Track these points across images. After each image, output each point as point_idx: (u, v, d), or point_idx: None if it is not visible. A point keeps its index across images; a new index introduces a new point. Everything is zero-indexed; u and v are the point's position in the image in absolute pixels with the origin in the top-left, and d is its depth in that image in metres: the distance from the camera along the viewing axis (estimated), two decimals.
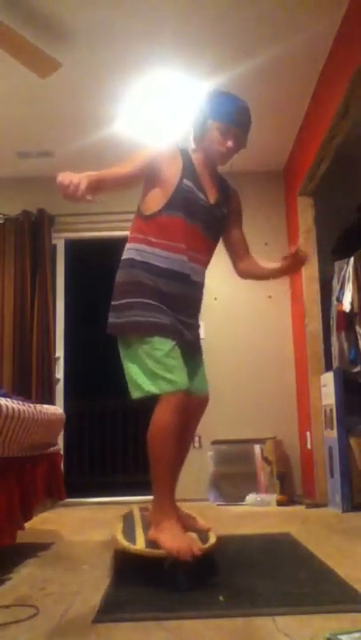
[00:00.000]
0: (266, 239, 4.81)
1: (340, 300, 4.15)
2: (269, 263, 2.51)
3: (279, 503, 4.11)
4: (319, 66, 3.57)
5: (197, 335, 2.37)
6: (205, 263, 2.31)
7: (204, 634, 1.49)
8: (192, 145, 2.30)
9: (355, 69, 2.95)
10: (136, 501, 4.19)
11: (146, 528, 2.14)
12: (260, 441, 4.48)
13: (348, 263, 4.11)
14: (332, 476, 3.85)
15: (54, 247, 4.96)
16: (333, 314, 4.27)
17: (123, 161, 2.14)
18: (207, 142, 2.23)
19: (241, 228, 2.50)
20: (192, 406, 2.19)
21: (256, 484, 4.36)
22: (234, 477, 4.37)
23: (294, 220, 4.55)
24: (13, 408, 2.21)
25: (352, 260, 4.06)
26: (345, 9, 3.08)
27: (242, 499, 4.21)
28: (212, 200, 2.28)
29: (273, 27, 3.23)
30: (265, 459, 4.41)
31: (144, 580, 1.93)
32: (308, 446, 4.30)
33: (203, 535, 2.16)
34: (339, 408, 3.79)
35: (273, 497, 4.17)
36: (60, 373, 4.81)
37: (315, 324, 4.30)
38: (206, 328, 4.39)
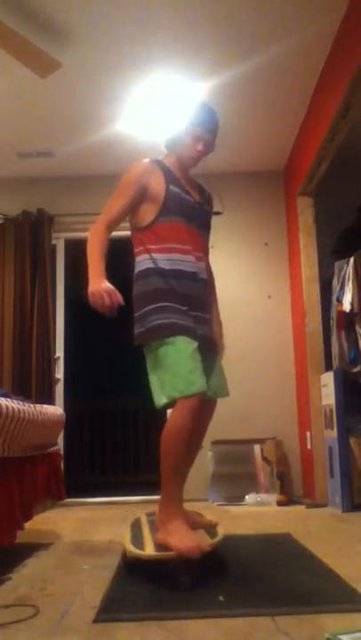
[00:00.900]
0: (266, 239, 4.82)
1: (340, 300, 4.15)
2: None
3: (279, 503, 4.11)
4: (319, 66, 3.57)
5: (212, 330, 2.40)
6: (206, 260, 2.39)
7: (204, 634, 1.49)
8: (163, 151, 2.42)
9: (355, 69, 2.95)
10: (136, 501, 4.20)
11: (154, 532, 2.13)
12: (260, 441, 4.47)
13: (348, 263, 4.11)
14: (332, 475, 3.85)
15: (54, 247, 4.97)
16: (333, 314, 4.27)
17: (112, 196, 2.27)
18: (179, 147, 2.36)
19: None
20: (206, 408, 2.22)
21: (256, 484, 4.36)
22: (234, 477, 4.37)
23: (294, 221, 4.55)
24: (13, 408, 2.21)
25: (352, 260, 4.05)
26: (345, 9, 3.08)
27: (242, 499, 4.20)
28: (197, 198, 2.39)
29: (273, 27, 3.23)
30: (265, 459, 4.41)
31: (145, 580, 1.93)
32: (308, 446, 4.29)
33: (211, 530, 2.16)
34: (339, 408, 3.79)
35: (273, 497, 4.17)
36: (60, 373, 4.81)
37: (315, 324, 4.30)
38: None
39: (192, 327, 2.17)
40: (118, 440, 6.95)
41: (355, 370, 4.01)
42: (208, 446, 4.46)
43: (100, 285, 2.09)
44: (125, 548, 2.09)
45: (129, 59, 3.45)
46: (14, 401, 2.31)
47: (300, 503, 4.16)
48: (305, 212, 4.41)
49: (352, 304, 3.95)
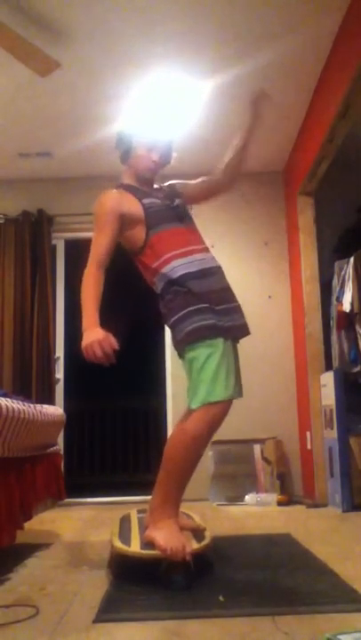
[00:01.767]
0: (266, 239, 4.81)
1: (340, 300, 4.15)
2: (233, 142, 2.54)
3: (279, 503, 4.11)
4: (320, 66, 3.56)
5: (242, 316, 2.39)
6: (207, 249, 2.37)
7: (205, 634, 1.49)
8: (124, 168, 2.45)
9: (355, 69, 2.94)
10: (136, 501, 4.20)
11: (142, 530, 2.14)
12: (260, 441, 4.47)
13: (348, 263, 4.11)
14: (332, 475, 3.85)
15: (54, 247, 4.97)
16: (333, 314, 4.27)
17: (94, 236, 2.26)
18: (134, 161, 2.40)
19: (192, 182, 2.55)
20: None
21: (256, 484, 4.36)
22: (234, 477, 4.37)
23: (294, 220, 4.54)
24: (13, 408, 2.21)
25: (352, 259, 4.06)
26: (346, 9, 3.08)
27: (242, 499, 4.21)
28: (167, 201, 2.38)
29: (273, 27, 3.23)
30: (265, 459, 4.41)
31: (142, 581, 1.93)
32: (308, 446, 4.29)
33: (198, 534, 2.16)
34: (339, 408, 3.79)
35: (273, 497, 4.17)
36: (60, 373, 4.81)
37: (315, 324, 4.30)
38: None
39: (226, 326, 2.17)
40: (118, 440, 6.94)
41: (355, 370, 4.01)
42: (208, 446, 4.46)
43: (93, 337, 2.07)
44: (112, 543, 2.10)
45: (129, 58, 3.45)
46: (14, 401, 2.31)
47: (300, 503, 4.16)
48: (305, 211, 4.41)
49: (352, 304, 3.95)
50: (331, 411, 3.88)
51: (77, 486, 4.60)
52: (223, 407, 2.08)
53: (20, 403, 2.35)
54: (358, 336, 3.97)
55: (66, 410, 3.91)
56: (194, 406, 2.07)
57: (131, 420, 6.88)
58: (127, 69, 3.55)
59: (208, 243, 2.44)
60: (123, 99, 3.86)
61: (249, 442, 4.47)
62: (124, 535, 2.16)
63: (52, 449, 2.96)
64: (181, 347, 2.16)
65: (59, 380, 4.79)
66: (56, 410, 3.02)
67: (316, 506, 3.95)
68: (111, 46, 3.35)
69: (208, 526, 2.36)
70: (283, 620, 1.53)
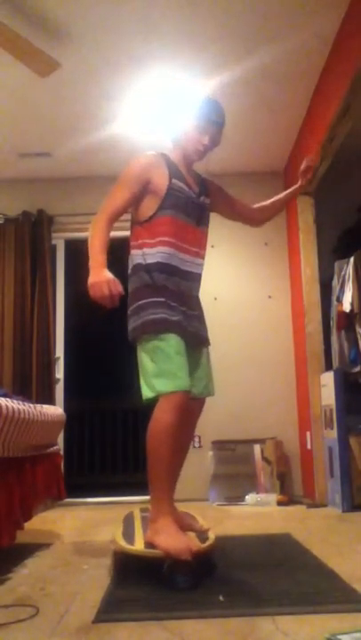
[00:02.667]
0: (266, 239, 4.82)
1: (340, 300, 4.15)
2: (278, 195, 2.71)
3: (279, 503, 4.11)
4: (319, 66, 3.56)
5: (203, 327, 2.41)
6: (202, 256, 2.38)
7: (205, 634, 1.49)
8: (169, 145, 2.41)
9: (355, 70, 2.94)
10: (136, 501, 4.20)
11: (146, 529, 2.14)
12: (260, 441, 4.47)
13: (348, 263, 4.11)
14: (332, 475, 3.85)
15: (54, 247, 4.97)
16: (333, 314, 4.28)
17: (113, 187, 2.26)
18: (185, 141, 2.34)
19: (231, 197, 2.60)
20: (191, 406, 2.22)
21: (256, 484, 4.36)
22: (234, 477, 4.37)
23: (294, 220, 4.54)
24: (13, 408, 2.21)
25: (352, 259, 4.06)
26: (345, 9, 3.08)
27: (242, 499, 4.21)
28: (196, 192, 2.38)
29: (273, 26, 3.23)
30: (265, 459, 4.41)
31: (144, 581, 1.93)
32: (308, 446, 4.29)
33: (202, 535, 2.16)
34: (339, 408, 3.79)
35: (273, 497, 4.17)
36: (60, 373, 4.81)
37: (315, 324, 4.30)
38: None
39: (183, 324, 2.18)
40: (118, 440, 6.95)
41: (355, 370, 4.01)
42: (208, 446, 4.46)
43: (100, 276, 2.09)
44: (114, 539, 2.10)
45: (129, 58, 3.45)
46: (14, 401, 2.31)
47: (300, 503, 4.16)
48: (305, 211, 4.41)
49: (352, 304, 3.95)
50: (331, 411, 3.88)
51: (77, 486, 4.60)
52: (177, 397, 2.05)
53: (20, 403, 2.35)
54: (358, 336, 3.97)
55: (66, 410, 3.90)
56: (147, 396, 2.11)
57: (131, 420, 6.88)
58: (127, 69, 3.55)
59: (208, 243, 2.44)
60: (122, 98, 3.87)
61: (249, 442, 4.47)
62: (128, 534, 2.15)
63: (52, 449, 2.96)
64: (133, 335, 2.20)
65: (59, 380, 4.79)
66: (56, 410, 3.02)
67: (316, 506, 3.95)
68: (111, 46, 3.35)
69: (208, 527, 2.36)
70: (283, 620, 1.53)
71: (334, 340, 4.22)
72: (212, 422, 4.31)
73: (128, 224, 2.39)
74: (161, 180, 2.25)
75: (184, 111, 2.37)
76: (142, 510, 2.56)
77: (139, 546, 2.01)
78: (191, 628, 1.52)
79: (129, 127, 4.20)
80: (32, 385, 4.54)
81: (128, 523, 2.36)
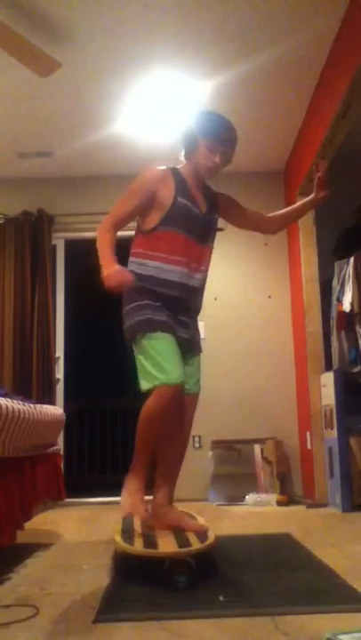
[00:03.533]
0: (265, 239, 4.81)
1: (340, 300, 4.15)
2: (295, 205, 2.74)
3: (279, 503, 4.11)
4: (320, 66, 3.57)
5: (196, 335, 2.47)
6: (203, 270, 2.42)
7: (204, 634, 1.49)
8: (182, 160, 2.44)
9: (355, 69, 2.94)
10: None
11: (146, 529, 2.14)
12: (260, 441, 4.48)
13: (348, 263, 4.11)
14: (332, 475, 3.85)
15: (54, 247, 4.97)
16: (333, 314, 4.27)
17: (122, 196, 2.34)
18: (196, 158, 2.37)
19: (243, 208, 2.62)
20: (184, 402, 2.30)
21: (256, 484, 4.36)
22: (234, 477, 4.37)
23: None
24: (13, 408, 2.21)
25: (352, 260, 4.06)
26: (345, 9, 3.08)
27: (242, 499, 4.21)
28: (203, 210, 2.41)
29: (273, 27, 3.23)
30: (265, 459, 4.41)
31: (144, 580, 1.93)
32: (308, 446, 4.29)
33: (201, 534, 2.16)
34: (339, 408, 3.79)
35: (273, 497, 4.17)
36: (60, 373, 4.81)
37: (315, 324, 4.30)
38: (206, 328, 4.40)
39: (169, 323, 2.25)
40: (118, 440, 6.94)
41: (355, 370, 4.01)
42: (208, 446, 4.46)
43: (111, 268, 2.17)
44: (114, 540, 2.11)
45: (129, 59, 3.45)
46: (14, 401, 2.31)
47: (300, 503, 4.16)
48: None
49: (352, 304, 3.95)
50: (331, 411, 3.88)
51: (77, 486, 4.60)
52: (167, 389, 2.14)
53: (20, 403, 2.35)
54: (358, 336, 3.97)
55: (66, 410, 3.90)
56: (143, 389, 2.20)
57: (131, 420, 6.86)
58: (127, 69, 3.55)
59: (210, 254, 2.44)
60: (123, 98, 3.87)
61: (249, 442, 4.47)
62: (128, 534, 2.16)
63: (52, 449, 2.96)
64: (127, 335, 2.31)
65: (59, 379, 4.79)
66: (56, 410, 3.02)
67: (316, 506, 3.95)
68: (111, 46, 3.35)
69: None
70: (283, 620, 1.53)
71: (334, 340, 4.22)
72: (213, 422, 4.32)
73: (134, 226, 2.42)
74: (166, 196, 2.30)
75: (194, 125, 2.37)
76: None
77: (138, 546, 2.01)
78: (191, 628, 1.52)
79: (129, 127, 4.20)
80: (32, 385, 4.54)
81: (128, 523, 2.36)
